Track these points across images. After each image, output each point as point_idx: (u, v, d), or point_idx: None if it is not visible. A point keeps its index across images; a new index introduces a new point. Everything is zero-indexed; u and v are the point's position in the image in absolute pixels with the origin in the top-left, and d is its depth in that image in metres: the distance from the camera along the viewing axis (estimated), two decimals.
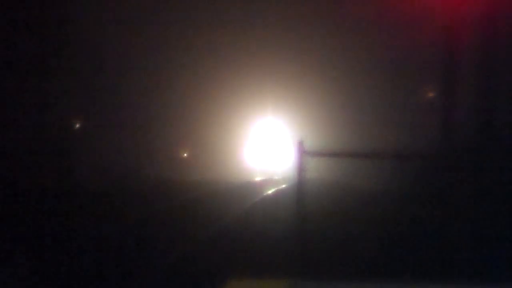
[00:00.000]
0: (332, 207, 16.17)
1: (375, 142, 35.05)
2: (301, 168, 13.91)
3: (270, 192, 26.62)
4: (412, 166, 16.59)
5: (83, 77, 37.15)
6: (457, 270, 12.03)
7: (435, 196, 15.32)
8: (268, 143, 51.64)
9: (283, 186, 29.16)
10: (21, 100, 31.00)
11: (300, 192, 13.89)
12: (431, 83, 30.18)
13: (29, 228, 16.02)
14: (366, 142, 35.52)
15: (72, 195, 24.17)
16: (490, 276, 11.53)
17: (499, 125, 17.26)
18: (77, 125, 37.02)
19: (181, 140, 48.60)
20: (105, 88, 39.76)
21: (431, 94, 31.89)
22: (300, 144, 13.99)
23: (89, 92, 38.14)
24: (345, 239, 14.10)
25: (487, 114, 16.68)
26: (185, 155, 49.00)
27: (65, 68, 34.71)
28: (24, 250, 13.12)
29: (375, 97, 40.94)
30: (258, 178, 39.82)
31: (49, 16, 32.77)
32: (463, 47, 17.18)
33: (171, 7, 45.17)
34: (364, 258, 12.79)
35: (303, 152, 13.94)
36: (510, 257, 12.73)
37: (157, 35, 44.63)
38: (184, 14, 46.21)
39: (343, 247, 13.56)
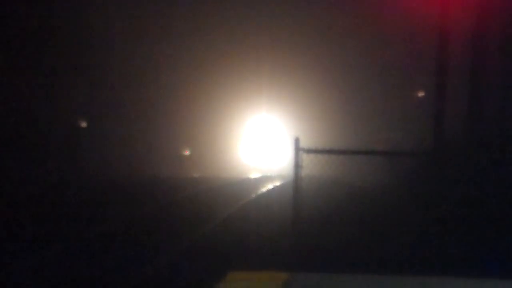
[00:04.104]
0: (328, 204, 16.28)
1: (371, 139, 35.17)
2: (297, 165, 14.04)
3: (265, 189, 26.67)
4: (407, 164, 16.73)
5: (85, 76, 37.19)
6: (453, 267, 12.14)
7: (430, 194, 15.44)
8: (263, 140, 51.58)
9: (279, 183, 29.22)
10: (25, 98, 31.09)
11: (296, 189, 14.02)
12: (425, 81, 30.31)
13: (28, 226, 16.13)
14: (363, 139, 35.63)
15: (75, 191, 24.22)
16: (488, 273, 11.64)
17: (491, 123, 17.41)
18: (80, 124, 37.11)
19: (177, 138, 48.58)
20: (107, 87, 39.81)
21: (425, 92, 32.02)
22: (297, 141, 14.11)
23: (91, 91, 38.18)
24: (341, 236, 14.20)
25: (480, 112, 16.83)
26: (187, 152, 48.97)
27: (69, 67, 34.78)
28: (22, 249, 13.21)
29: (370, 95, 41.02)
30: (253, 175, 39.86)
31: (53, 16, 32.84)
32: (456, 47, 17.33)
33: (170, 7, 45.20)
34: (360, 254, 12.91)
35: (299, 149, 14.06)
36: (507, 254, 12.86)
37: (156, 35, 44.65)
38: (182, 13, 46.24)
39: (340, 244, 13.66)
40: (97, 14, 38.18)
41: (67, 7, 34.88)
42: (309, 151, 14.06)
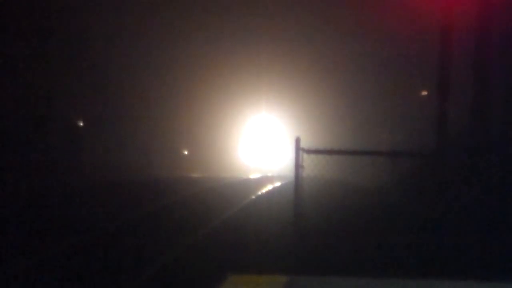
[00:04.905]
0: (329, 205, 16.22)
1: (372, 139, 35.09)
2: (298, 166, 13.95)
3: (266, 190, 26.63)
4: (408, 164, 16.66)
5: (86, 77, 37.20)
6: (455, 268, 12.09)
7: (431, 194, 15.38)
8: (263, 140, 51.55)
9: (279, 184, 29.17)
10: (25, 98, 31.07)
11: (297, 189, 13.94)
12: (426, 81, 30.24)
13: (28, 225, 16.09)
14: (364, 140, 35.56)
15: (75, 191, 24.23)
16: (489, 275, 11.58)
17: (494, 123, 17.33)
18: (80, 124, 37.10)
19: (177, 138, 48.57)
20: (107, 88, 39.81)
21: (426, 93, 31.96)
22: (297, 141, 14.03)
23: (92, 92, 38.20)
24: (343, 237, 14.14)
25: (482, 113, 16.75)
26: (186, 152, 48.95)
27: (69, 67, 34.76)
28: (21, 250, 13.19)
29: (371, 95, 40.97)
30: (253, 176, 39.79)
31: (52, 16, 32.82)
32: (458, 46, 17.24)
33: (169, 7, 45.17)
34: (362, 256, 12.84)
35: (300, 149, 13.98)
36: (508, 255, 12.79)
37: (156, 35, 44.63)
38: (182, 13, 46.21)
39: (341, 245, 13.61)
40: (97, 14, 38.16)
41: (68, 6, 34.88)
42: (309, 151, 13.99)
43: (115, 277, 11.19)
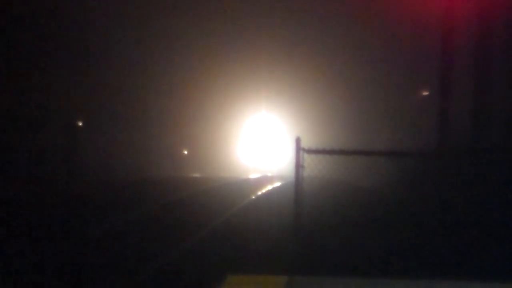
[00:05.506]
0: (330, 205, 16.20)
1: (374, 139, 35.08)
2: (298, 165, 13.92)
3: (265, 190, 26.61)
4: (410, 165, 16.63)
5: (84, 76, 37.19)
6: (456, 269, 12.07)
7: (432, 194, 15.37)
8: (263, 139, 51.51)
9: (279, 184, 29.15)
10: (23, 99, 31.05)
11: (297, 190, 13.90)
12: (428, 81, 30.22)
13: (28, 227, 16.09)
14: (365, 139, 35.55)
15: (73, 191, 24.24)
16: (490, 275, 11.56)
17: (495, 123, 17.32)
18: (80, 124, 37.08)
19: (176, 138, 48.54)
20: (106, 87, 39.80)
21: (428, 93, 31.95)
22: (298, 141, 14.00)
23: (90, 92, 38.19)
24: (343, 238, 14.13)
25: (484, 113, 16.73)
26: (186, 152, 48.93)
27: (66, 67, 34.74)
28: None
29: (373, 94, 40.96)
30: (253, 176, 39.77)
31: (51, 15, 32.81)
32: (460, 46, 17.23)
33: (168, 7, 45.16)
34: (362, 256, 12.82)
35: (300, 149, 13.95)
36: (508, 255, 12.78)
37: (156, 34, 44.62)
38: (181, 13, 46.19)
39: (342, 246, 13.58)
40: (96, 14, 38.17)
41: (67, 5, 34.89)
42: (310, 151, 13.95)
43: (113, 276, 11.15)
